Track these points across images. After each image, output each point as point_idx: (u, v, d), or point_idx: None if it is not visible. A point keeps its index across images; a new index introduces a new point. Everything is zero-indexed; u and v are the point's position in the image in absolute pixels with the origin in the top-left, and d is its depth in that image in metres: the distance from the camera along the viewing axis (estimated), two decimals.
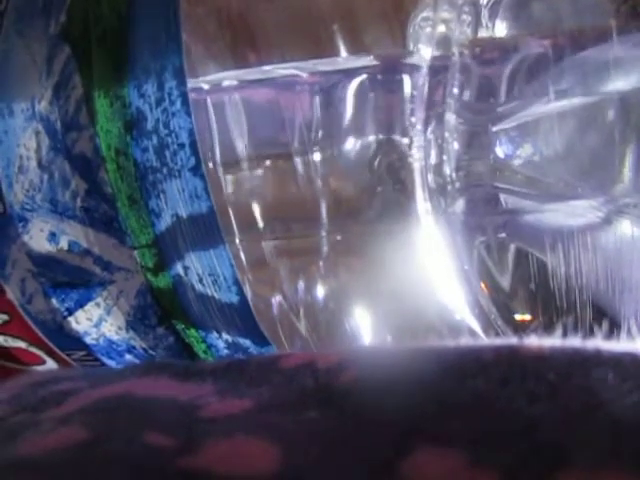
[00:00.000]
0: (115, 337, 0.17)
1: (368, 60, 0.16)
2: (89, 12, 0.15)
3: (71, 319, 0.16)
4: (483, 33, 0.16)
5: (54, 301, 0.16)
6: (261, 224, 0.17)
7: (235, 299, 0.15)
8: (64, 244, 0.16)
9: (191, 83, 0.14)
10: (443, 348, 0.10)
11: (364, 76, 0.16)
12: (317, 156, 0.16)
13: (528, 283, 0.16)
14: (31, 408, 0.11)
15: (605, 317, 0.15)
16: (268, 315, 0.17)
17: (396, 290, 0.17)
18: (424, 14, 0.16)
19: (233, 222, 0.16)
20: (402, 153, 0.16)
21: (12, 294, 0.17)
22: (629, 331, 0.13)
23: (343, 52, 0.16)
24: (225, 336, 0.16)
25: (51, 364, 0.18)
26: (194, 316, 0.16)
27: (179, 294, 0.16)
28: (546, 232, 0.16)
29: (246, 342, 0.16)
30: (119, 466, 0.09)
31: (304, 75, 0.16)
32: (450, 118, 0.16)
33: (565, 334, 0.10)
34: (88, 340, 0.17)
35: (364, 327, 0.17)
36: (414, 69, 0.16)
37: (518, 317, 0.17)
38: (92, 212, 0.15)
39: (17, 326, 0.17)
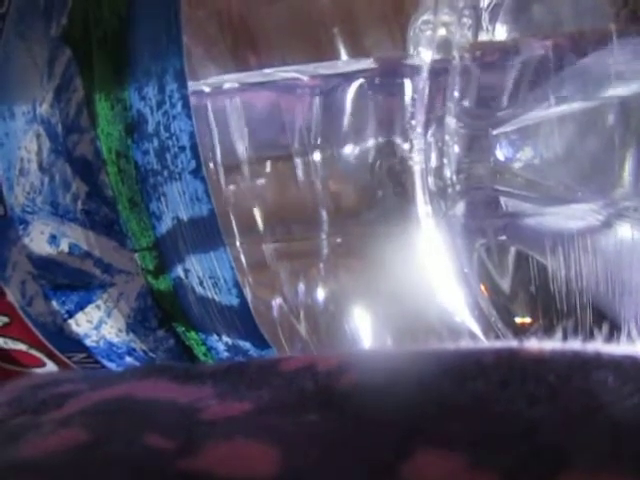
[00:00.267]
0: (115, 339, 0.17)
1: (368, 63, 0.16)
2: (90, 14, 0.15)
3: (71, 321, 0.16)
4: (483, 36, 0.16)
5: (54, 303, 0.16)
6: (261, 227, 0.17)
7: (235, 302, 0.15)
8: (65, 246, 0.16)
9: (192, 86, 0.15)
10: (443, 350, 0.10)
11: (364, 79, 0.16)
12: (317, 159, 0.16)
13: (528, 286, 0.16)
14: (31, 410, 0.11)
15: (605, 320, 0.15)
16: (268, 317, 0.17)
17: (396, 292, 0.17)
18: (424, 17, 0.16)
19: (233, 225, 0.16)
20: (402, 156, 0.16)
21: (12, 296, 0.17)
22: (629, 334, 0.13)
23: (343, 55, 0.16)
24: (225, 339, 0.16)
25: (51, 366, 0.18)
26: (194, 319, 0.16)
27: (179, 297, 0.16)
28: (546, 235, 0.16)
29: (246, 345, 0.16)
30: (119, 468, 0.09)
31: (304, 78, 0.16)
32: (450, 121, 0.16)
33: (565, 337, 0.10)
34: (88, 342, 0.17)
35: (364, 329, 0.17)
36: (414, 72, 0.16)
37: (518, 320, 0.17)
38: (93, 215, 0.15)
39: (17, 328, 0.17)
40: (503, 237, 0.17)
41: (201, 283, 0.15)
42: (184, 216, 0.15)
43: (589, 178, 0.16)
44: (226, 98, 0.16)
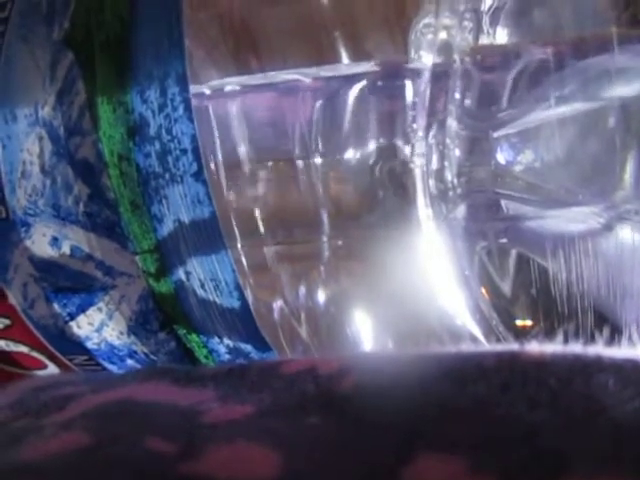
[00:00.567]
0: (117, 342, 0.17)
1: (370, 66, 0.16)
2: (92, 18, 0.15)
3: (73, 324, 0.16)
4: (484, 40, 0.16)
5: (56, 306, 0.16)
6: (263, 229, 0.17)
7: (236, 304, 0.15)
8: (66, 249, 0.16)
9: (194, 89, 0.15)
10: (444, 353, 0.10)
11: (366, 82, 0.16)
12: (319, 161, 0.17)
13: (529, 289, 0.16)
14: (33, 413, 0.11)
15: (606, 323, 0.15)
16: (269, 320, 0.17)
17: (397, 295, 0.17)
18: (426, 21, 0.16)
19: (235, 227, 0.16)
20: (403, 159, 0.16)
21: (14, 299, 0.17)
22: (630, 337, 0.13)
23: (345, 58, 0.16)
24: (226, 341, 0.16)
25: (53, 369, 0.18)
26: (195, 321, 0.16)
27: (181, 299, 0.16)
28: (547, 238, 0.16)
29: (247, 347, 0.16)
30: (120, 471, 0.09)
31: (306, 81, 0.16)
32: (451, 124, 0.16)
33: (566, 340, 0.10)
34: (90, 345, 0.17)
35: (365, 332, 0.17)
36: (415, 75, 0.16)
37: (519, 323, 0.17)
38: (94, 217, 0.15)
39: (19, 331, 0.17)
40: (504, 240, 0.17)
41: (202, 286, 0.15)
42: (185, 219, 0.15)
43: (590, 181, 0.16)
44: (228, 101, 0.16)
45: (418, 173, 0.16)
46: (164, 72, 0.14)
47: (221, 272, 0.15)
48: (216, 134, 0.16)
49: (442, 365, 0.10)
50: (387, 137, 0.16)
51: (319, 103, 0.16)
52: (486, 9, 0.16)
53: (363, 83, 0.16)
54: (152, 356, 0.17)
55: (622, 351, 0.10)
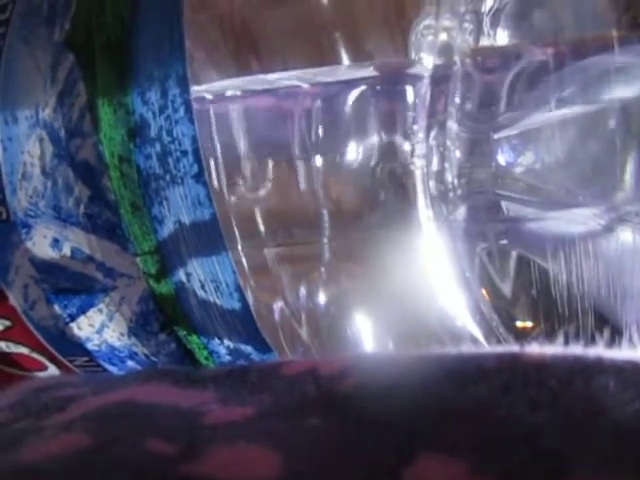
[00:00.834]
0: (117, 343, 0.17)
1: (370, 68, 0.16)
2: (93, 19, 0.15)
3: (73, 325, 0.16)
4: (485, 41, 0.16)
5: (56, 307, 0.16)
6: (263, 231, 0.17)
7: (237, 305, 0.15)
8: (67, 250, 0.16)
9: (194, 91, 0.15)
10: (445, 355, 0.10)
11: (366, 84, 0.16)
12: (319, 163, 0.17)
13: (530, 290, 0.16)
14: (33, 414, 0.11)
15: (607, 325, 0.15)
16: (270, 321, 0.17)
17: (398, 296, 0.17)
18: (426, 22, 0.16)
19: (235, 229, 0.16)
20: (404, 160, 0.16)
21: (15, 300, 0.17)
22: (631, 339, 0.13)
23: (345, 60, 0.17)
24: (227, 342, 0.16)
25: (53, 370, 0.18)
26: (196, 322, 0.16)
27: (181, 300, 0.16)
28: (548, 239, 0.16)
29: (248, 348, 0.16)
30: (121, 472, 0.09)
31: (306, 84, 0.16)
32: (452, 126, 0.16)
33: (567, 342, 0.10)
34: (90, 346, 0.17)
35: (366, 333, 0.17)
36: (416, 77, 0.16)
37: (520, 324, 0.17)
38: (95, 219, 0.15)
39: (19, 332, 0.17)
40: (504, 241, 0.17)
41: (203, 287, 0.15)
42: (186, 220, 0.15)
43: (590, 182, 0.16)
44: (228, 103, 0.16)
45: (418, 174, 0.16)
46: (165, 73, 0.14)
47: (222, 273, 0.15)
48: (216, 135, 0.16)
49: (443, 366, 0.10)
50: (387, 139, 0.16)
51: (320, 105, 0.16)
52: (487, 11, 0.16)
53: (363, 85, 0.16)
54: (152, 357, 0.17)
55: (622, 352, 0.10)
